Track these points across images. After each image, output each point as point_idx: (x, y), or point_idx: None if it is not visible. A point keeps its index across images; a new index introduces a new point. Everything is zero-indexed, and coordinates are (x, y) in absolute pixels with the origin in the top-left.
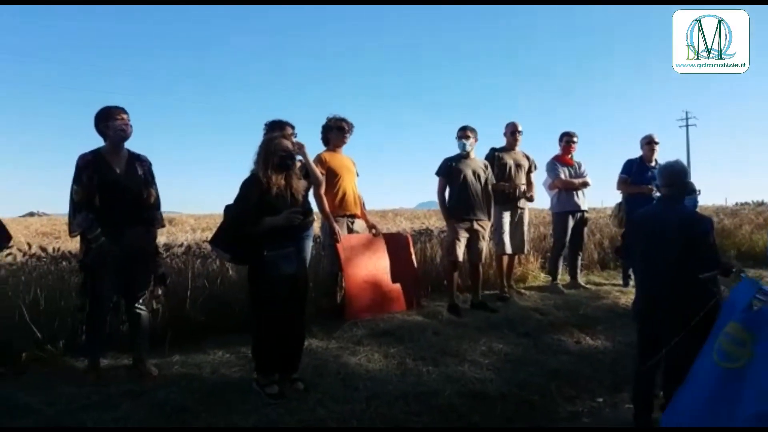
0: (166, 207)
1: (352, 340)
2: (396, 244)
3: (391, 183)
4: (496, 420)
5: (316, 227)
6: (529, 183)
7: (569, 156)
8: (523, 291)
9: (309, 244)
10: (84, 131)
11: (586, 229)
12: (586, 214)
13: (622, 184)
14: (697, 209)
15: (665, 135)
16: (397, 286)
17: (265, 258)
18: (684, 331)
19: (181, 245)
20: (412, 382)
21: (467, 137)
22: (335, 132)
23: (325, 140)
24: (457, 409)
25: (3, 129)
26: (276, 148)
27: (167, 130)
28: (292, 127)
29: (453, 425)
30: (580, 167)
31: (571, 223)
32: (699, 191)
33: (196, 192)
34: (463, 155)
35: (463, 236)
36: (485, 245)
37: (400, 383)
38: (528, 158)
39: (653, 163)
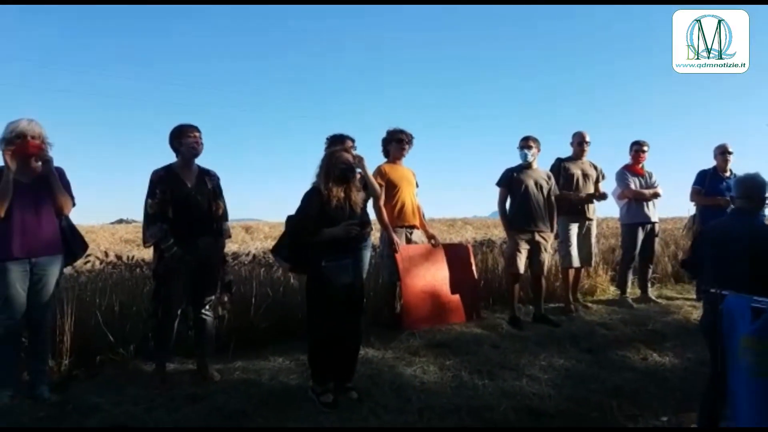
0: (245, 215)
1: (408, 350)
2: (456, 254)
3: (465, 191)
4: None
5: (376, 237)
6: (597, 192)
7: (640, 165)
8: (589, 305)
9: (367, 255)
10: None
11: (658, 241)
12: (657, 226)
13: (695, 195)
14: None
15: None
16: (456, 297)
17: (322, 268)
18: None
19: (248, 254)
20: (467, 395)
21: (529, 147)
22: (394, 144)
23: (386, 152)
24: (511, 425)
25: (98, 137)
26: (337, 161)
27: (253, 136)
28: (353, 141)
29: None
30: (651, 177)
31: (641, 234)
32: None
33: (275, 199)
34: (525, 165)
35: (524, 248)
36: (548, 257)
37: (454, 396)
38: (596, 168)
39: (728, 174)
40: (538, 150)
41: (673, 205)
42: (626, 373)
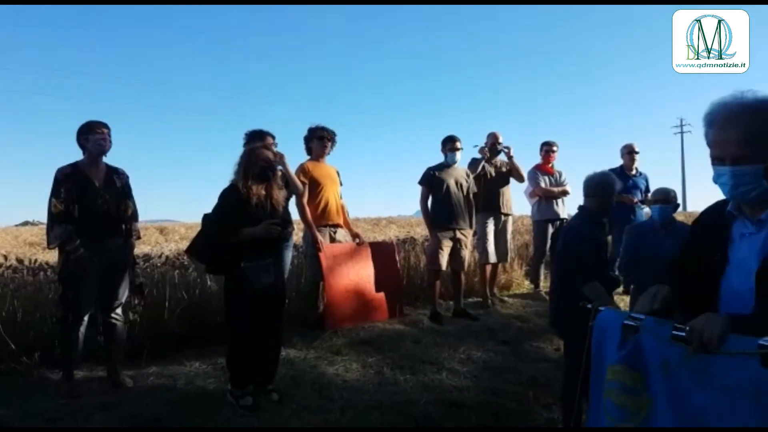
0: (160, 215)
1: (330, 349)
2: (381, 252)
3: (389, 190)
4: (471, 428)
5: (299, 236)
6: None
7: (549, 165)
8: (505, 299)
9: (289, 254)
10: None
11: None
12: (566, 222)
13: None
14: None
15: (659, 142)
16: (381, 294)
17: (242, 269)
18: None
19: (160, 255)
20: (389, 391)
21: (458, 149)
22: (316, 142)
23: (308, 150)
24: (432, 418)
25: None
26: (257, 158)
27: (165, 135)
28: (273, 137)
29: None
30: (560, 176)
31: (550, 230)
32: (674, 201)
33: (190, 199)
34: (446, 165)
35: (446, 245)
36: (468, 254)
37: (377, 393)
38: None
39: (634, 172)
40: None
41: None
42: (541, 363)
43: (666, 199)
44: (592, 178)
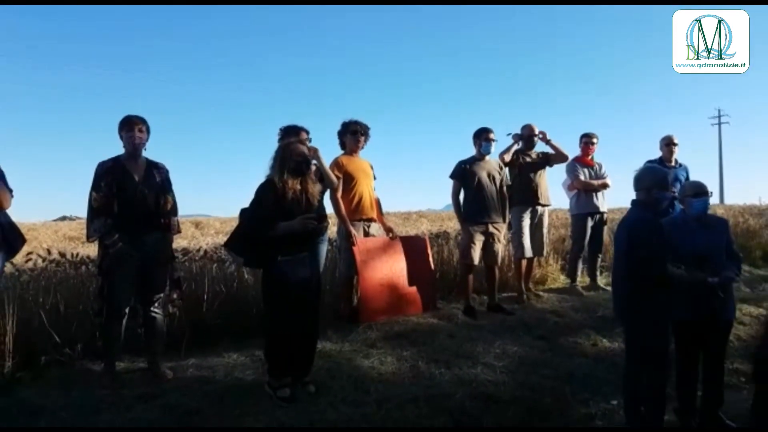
0: (194, 210)
1: (365, 342)
2: (413, 246)
3: (419, 184)
4: (508, 423)
5: (333, 231)
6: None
7: (589, 157)
8: (541, 293)
9: (324, 248)
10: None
11: (606, 230)
12: (605, 216)
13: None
14: (709, 211)
15: (697, 134)
16: (414, 288)
17: (279, 263)
18: None
19: (198, 249)
20: (424, 384)
21: (493, 140)
22: (349, 136)
23: (342, 145)
24: (468, 412)
25: (42, 131)
26: (291, 153)
27: (203, 131)
28: (307, 132)
29: (464, 428)
30: (600, 168)
31: (590, 224)
32: (711, 193)
33: (225, 194)
34: (478, 158)
35: (479, 239)
36: (501, 248)
37: (412, 386)
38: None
39: (673, 164)
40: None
41: (623, 196)
42: (577, 358)
43: (705, 191)
44: (643, 170)
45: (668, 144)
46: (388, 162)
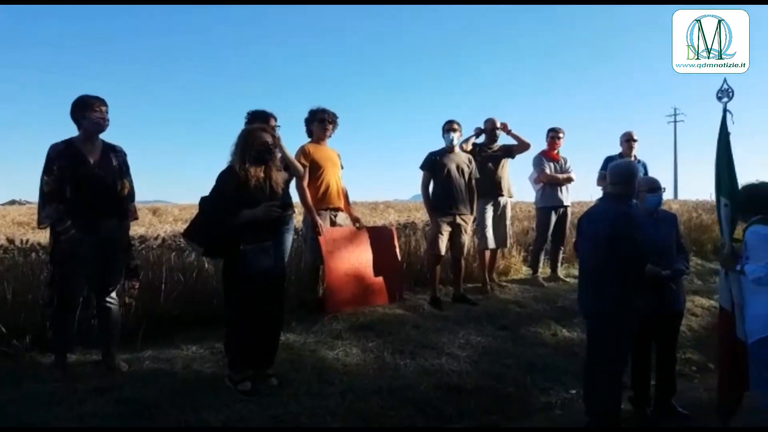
0: (152, 196)
1: (330, 334)
2: (380, 237)
3: (387, 174)
4: (471, 412)
5: (299, 220)
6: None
7: (555, 151)
8: (504, 284)
9: (289, 238)
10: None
11: (568, 223)
12: (569, 209)
13: (601, 180)
14: (663, 206)
15: (653, 131)
16: (380, 279)
17: (241, 252)
18: None
19: (156, 237)
20: (389, 375)
21: (454, 130)
22: (317, 124)
23: (309, 133)
24: (432, 403)
25: None
26: (254, 140)
27: (159, 116)
28: (275, 119)
29: (428, 418)
30: (565, 163)
31: (554, 217)
32: (664, 189)
33: (185, 180)
34: (448, 149)
35: (446, 230)
36: (468, 239)
37: (377, 377)
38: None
39: (632, 159)
40: (461, 134)
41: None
42: (539, 348)
43: (658, 186)
44: (617, 166)
45: (628, 140)
46: (357, 151)
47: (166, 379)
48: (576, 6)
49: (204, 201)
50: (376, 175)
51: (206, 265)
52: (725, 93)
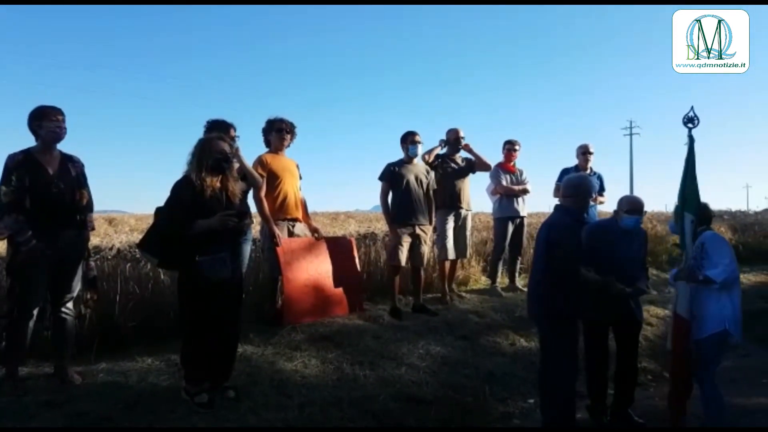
0: (108, 206)
1: (289, 345)
2: (339, 247)
3: (349, 185)
4: (430, 423)
5: (257, 230)
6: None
7: (511, 163)
8: (463, 294)
9: (247, 248)
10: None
11: (525, 234)
12: (525, 220)
13: (557, 191)
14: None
15: (610, 143)
16: (340, 290)
17: (197, 263)
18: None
19: (111, 248)
20: (348, 387)
21: (418, 142)
22: (274, 134)
23: (267, 143)
24: (391, 414)
25: None
26: (211, 149)
27: (117, 124)
28: (235, 129)
29: (387, 430)
30: (521, 174)
31: (510, 228)
32: (645, 212)
33: (142, 190)
34: (406, 160)
35: (406, 241)
36: (427, 249)
37: (336, 389)
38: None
39: (589, 172)
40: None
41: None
42: (497, 358)
43: (640, 210)
44: (572, 178)
45: (584, 153)
46: (318, 162)
47: (120, 392)
48: (535, 17)
49: (159, 211)
50: (338, 186)
51: (162, 276)
52: (691, 120)
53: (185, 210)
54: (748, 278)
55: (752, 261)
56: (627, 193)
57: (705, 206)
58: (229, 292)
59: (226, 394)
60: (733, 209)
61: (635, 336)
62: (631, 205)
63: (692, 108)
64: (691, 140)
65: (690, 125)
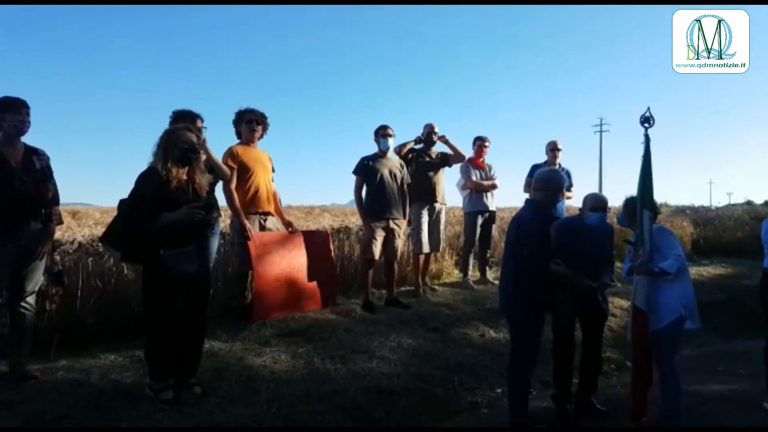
0: (72, 199)
1: (258, 341)
2: (315, 241)
3: (326, 178)
4: (399, 414)
5: (227, 224)
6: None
7: (481, 159)
8: (436, 287)
9: (215, 242)
10: None
11: (495, 228)
12: (495, 214)
13: (527, 186)
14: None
15: (581, 140)
16: (313, 284)
17: (162, 256)
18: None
19: (73, 242)
20: (318, 381)
21: (390, 135)
22: (245, 126)
23: (238, 134)
24: (361, 406)
25: None
26: (178, 140)
27: (79, 111)
28: (202, 120)
29: (356, 422)
30: (490, 170)
31: (480, 222)
32: (609, 209)
33: (108, 182)
34: (380, 154)
35: (380, 235)
36: (401, 243)
37: (305, 383)
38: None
39: (557, 168)
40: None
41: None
42: (467, 349)
43: (605, 207)
44: (543, 173)
45: (553, 149)
46: (296, 155)
47: (81, 389)
48: (505, 13)
49: (123, 203)
50: (315, 179)
51: (126, 271)
52: (647, 120)
53: (149, 202)
54: (707, 270)
55: (711, 254)
56: (596, 189)
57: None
58: (196, 287)
59: (192, 390)
60: (696, 205)
61: (600, 328)
62: (596, 203)
63: (648, 108)
64: (647, 139)
65: (646, 125)
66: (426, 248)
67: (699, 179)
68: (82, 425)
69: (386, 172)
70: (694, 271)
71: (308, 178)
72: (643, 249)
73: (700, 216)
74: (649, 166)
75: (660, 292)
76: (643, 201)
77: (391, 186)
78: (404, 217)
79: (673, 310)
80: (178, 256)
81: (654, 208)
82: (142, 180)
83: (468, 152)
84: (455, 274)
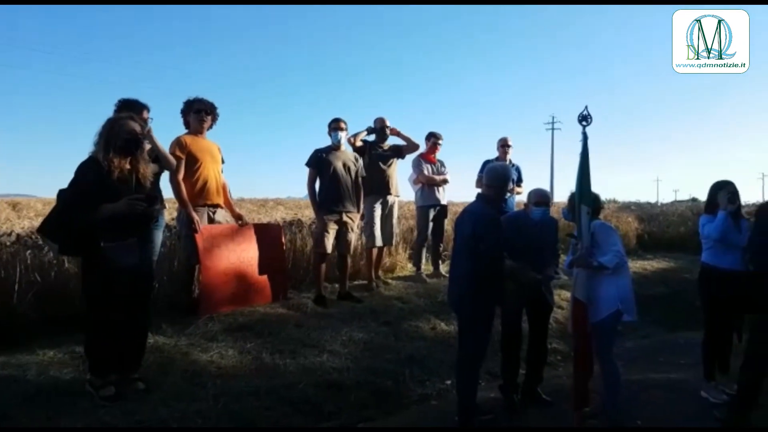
0: (12, 189)
1: (205, 336)
2: (266, 234)
3: (283, 171)
4: (349, 408)
5: (173, 216)
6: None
7: (433, 155)
8: (389, 281)
9: (159, 235)
10: None
11: (447, 222)
12: (446, 208)
13: (479, 182)
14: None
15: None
16: (264, 278)
17: (102, 249)
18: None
19: (10, 233)
20: (267, 376)
21: (341, 129)
22: (193, 115)
23: (187, 124)
24: (310, 400)
25: None
26: (120, 129)
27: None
28: (148, 110)
29: (305, 416)
30: (442, 165)
31: (431, 215)
32: (551, 203)
33: (52, 172)
34: (334, 147)
35: (332, 228)
36: (354, 237)
37: (253, 378)
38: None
39: (507, 163)
40: (347, 132)
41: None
42: (418, 342)
43: (547, 202)
44: (493, 169)
45: (503, 145)
46: (251, 146)
47: (17, 386)
48: (461, 11)
49: (62, 193)
50: (270, 171)
51: (66, 264)
52: (585, 118)
53: (89, 193)
54: (651, 265)
55: (655, 249)
56: (548, 184)
57: (596, 197)
58: (138, 280)
59: (135, 386)
60: (642, 201)
61: (546, 319)
62: (539, 198)
63: (586, 107)
64: (585, 137)
65: (584, 123)
66: (379, 242)
67: (647, 177)
68: (18, 424)
69: (340, 165)
70: (639, 265)
71: (263, 170)
72: (582, 243)
73: (645, 212)
74: (587, 163)
75: (599, 286)
76: (581, 196)
77: (345, 179)
78: (358, 210)
79: (611, 304)
80: (119, 248)
81: (594, 203)
82: (82, 170)
83: (421, 143)
84: (408, 268)
